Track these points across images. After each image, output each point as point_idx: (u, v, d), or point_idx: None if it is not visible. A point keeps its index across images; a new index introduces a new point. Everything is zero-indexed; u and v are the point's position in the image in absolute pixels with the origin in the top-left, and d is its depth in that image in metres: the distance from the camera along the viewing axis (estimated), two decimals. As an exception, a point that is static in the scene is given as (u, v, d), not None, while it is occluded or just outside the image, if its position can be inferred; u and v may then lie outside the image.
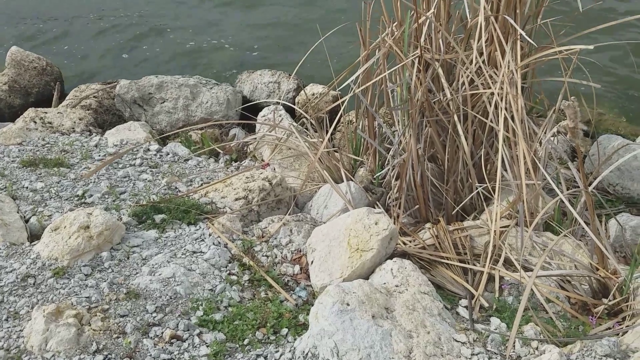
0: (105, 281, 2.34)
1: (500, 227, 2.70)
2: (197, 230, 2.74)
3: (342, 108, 3.29)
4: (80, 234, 2.46)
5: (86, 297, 2.24)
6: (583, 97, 3.06)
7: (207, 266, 2.50)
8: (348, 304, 2.03)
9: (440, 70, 2.82)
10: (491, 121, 2.72)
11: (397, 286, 2.25)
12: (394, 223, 2.93)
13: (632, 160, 3.40)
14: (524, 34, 2.58)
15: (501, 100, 2.62)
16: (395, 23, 3.08)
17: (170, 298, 2.29)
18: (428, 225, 2.99)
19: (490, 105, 2.67)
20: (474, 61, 2.77)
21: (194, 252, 2.58)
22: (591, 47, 2.36)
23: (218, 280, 2.44)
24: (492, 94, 2.68)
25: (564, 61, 2.93)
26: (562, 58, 2.87)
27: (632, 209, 3.39)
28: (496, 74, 2.73)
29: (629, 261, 2.89)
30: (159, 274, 2.39)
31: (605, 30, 2.80)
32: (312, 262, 2.53)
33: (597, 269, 2.53)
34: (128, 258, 2.50)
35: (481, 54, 2.77)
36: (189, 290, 2.34)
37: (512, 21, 2.68)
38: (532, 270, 2.58)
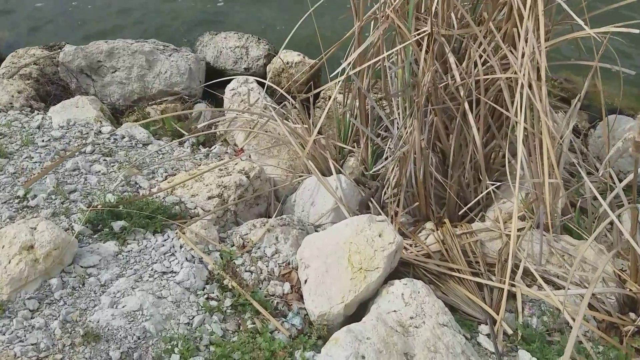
0: (56, 319, 1.90)
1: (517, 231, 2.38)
2: (166, 241, 2.31)
3: (328, 86, 2.86)
4: (22, 257, 2.00)
5: (33, 344, 1.80)
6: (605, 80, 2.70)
7: (180, 291, 2.09)
8: (363, 357, 1.67)
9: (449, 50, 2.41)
10: (507, 110, 2.35)
11: (412, 318, 1.91)
12: (391, 222, 2.57)
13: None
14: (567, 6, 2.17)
15: (521, 88, 2.24)
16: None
17: (139, 338, 1.88)
18: (429, 225, 2.65)
19: (510, 92, 2.29)
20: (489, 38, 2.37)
21: (164, 273, 2.15)
22: (637, 31, 1.99)
23: (195, 309, 2.04)
24: (510, 79, 2.30)
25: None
26: (579, 39, 2.51)
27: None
28: (514, 54, 2.34)
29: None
30: (123, 306, 1.97)
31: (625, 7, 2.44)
32: (305, 281, 2.16)
33: (625, 281, 2.25)
34: (83, 284, 2.06)
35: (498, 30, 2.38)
36: (160, 326, 1.94)
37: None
38: (552, 282, 2.29)
